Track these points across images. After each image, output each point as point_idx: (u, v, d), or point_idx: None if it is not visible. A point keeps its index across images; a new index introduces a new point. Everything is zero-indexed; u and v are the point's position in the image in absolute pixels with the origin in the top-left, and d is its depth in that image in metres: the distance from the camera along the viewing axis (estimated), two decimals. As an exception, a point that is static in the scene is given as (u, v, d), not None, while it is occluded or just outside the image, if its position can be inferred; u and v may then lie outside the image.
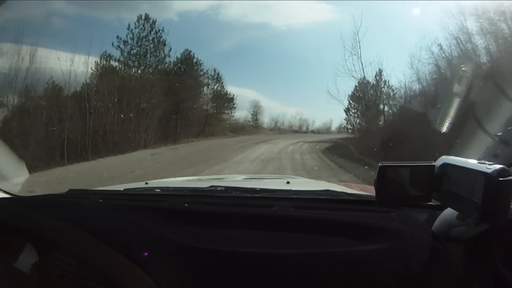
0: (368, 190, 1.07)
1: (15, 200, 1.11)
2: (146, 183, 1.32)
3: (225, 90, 14.19)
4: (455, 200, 0.64)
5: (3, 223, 0.95)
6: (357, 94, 12.17)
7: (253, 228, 0.80)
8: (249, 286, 0.72)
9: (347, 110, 12.92)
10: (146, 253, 0.77)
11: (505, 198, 0.57)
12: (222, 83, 13.51)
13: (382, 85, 11.37)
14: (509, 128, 0.76)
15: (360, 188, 1.24)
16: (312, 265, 0.70)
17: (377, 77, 11.74)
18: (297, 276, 0.70)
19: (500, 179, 0.56)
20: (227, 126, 14.38)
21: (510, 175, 0.56)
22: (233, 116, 15.34)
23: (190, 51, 12.78)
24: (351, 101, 12.51)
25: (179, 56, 12.42)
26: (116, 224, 0.88)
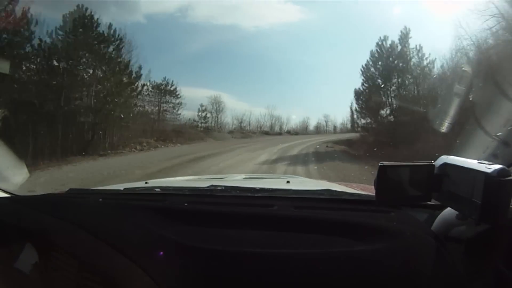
0: (368, 190, 1.07)
1: (15, 200, 1.11)
2: (146, 183, 1.32)
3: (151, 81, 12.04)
4: (455, 200, 0.64)
5: (3, 222, 0.95)
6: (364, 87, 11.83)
7: (253, 227, 0.80)
8: (249, 286, 0.72)
9: (360, 97, 12.49)
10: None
11: (505, 198, 0.57)
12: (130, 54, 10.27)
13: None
14: (509, 128, 0.76)
15: (360, 188, 1.24)
16: (312, 265, 0.70)
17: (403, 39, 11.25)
18: (297, 276, 0.70)
19: (500, 179, 0.56)
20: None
21: (510, 175, 0.56)
22: (179, 114, 13.27)
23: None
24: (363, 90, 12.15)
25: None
26: (116, 223, 0.88)
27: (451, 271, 0.66)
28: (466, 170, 0.61)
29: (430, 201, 0.70)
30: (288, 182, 1.33)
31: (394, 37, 12.07)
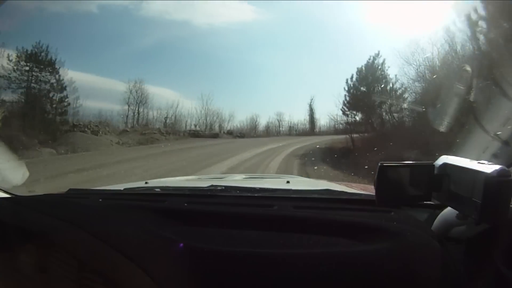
0: (368, 190, 1.07)
1: (15, 200, 1.11)
2: (146, 183, 1.33)
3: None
4: (455, 200, 0.64)
5: (3, 223, 0.95)
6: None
7: (253, 227, 0.80)
8: (249, 286, 0.72)
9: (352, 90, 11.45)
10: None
11: (505, 198, 0.58)
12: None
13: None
14: (509, 127, 0.76)
15: (360, 187, 1.24)
16: (312, 265, 0.70)
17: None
18: (297, 276, 0.70)
19: (500, 179, 0.56)
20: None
21: (510, 175, 0.56)
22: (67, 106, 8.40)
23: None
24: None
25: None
26: (116, 224, 0.88)
27: (451, 271, 0.66)
28: (466, 170, 0.61)
29: (430, 200, 0.70)
30: (288, 182, 1.33)
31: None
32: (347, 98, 11.51)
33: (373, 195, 0.70)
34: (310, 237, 0.75)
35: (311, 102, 15.91)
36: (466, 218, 0.67)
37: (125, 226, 0.86)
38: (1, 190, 1.13)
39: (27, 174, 1.30)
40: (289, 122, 16.63)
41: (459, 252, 0.70)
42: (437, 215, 0.76)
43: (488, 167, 0.57)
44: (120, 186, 1.26)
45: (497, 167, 0.57)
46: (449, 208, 0.72)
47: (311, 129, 15.75)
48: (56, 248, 0.88)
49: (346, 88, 11.56)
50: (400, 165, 0.71)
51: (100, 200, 1.04)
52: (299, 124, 16.68)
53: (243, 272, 0.72)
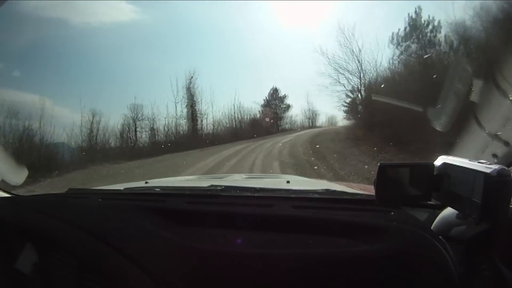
0: (368, 190, 1.07)
1: (15, 200, 1.11)
2: (146, 182, 1.32)
3: None
4: (455, 200, 0.64)
5: (3, 223, 0.95)
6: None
7: (252, 227, 0.80)
8: (249, 286, 0.72)
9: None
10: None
11: (504, 198, 0.58)
12: None
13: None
14: (509, 128, 0.76)
15: (360, 187, 1.24)
16: (312, 265, 0.70)
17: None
18: (297, 276, 0.70)
19: (500, 179, 0.56)
20: None
21: (510, 175, 0.56)
22: None
23: None
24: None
25: None
26: (116, 224, 0.88)
27: (451, 271, 0.66)
28: (466, 170, 0.61)
29: (430, 200, 0.70)
30: (288, 182, 1.33)
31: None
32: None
33: (373, 195, 0.70)
34: (310, 237, 0.75)
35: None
36: (466, 218, 0.67)
37: (125, 226, 0.86)
38: (1, 189, 1.13)
39: (26, 174, 1.30)
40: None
41: (459, 251, 0.70)
42: (437, 215, 0.76)
43: (488, 167, 0.57)
44: (120, 186, 1.26)
45: (497, 167, 0.57)
46: (449, 208, 0.72)
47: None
48: (56, 248, 0.88)
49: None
50: (400, 165, 0.71)
51: (100, 200, 1.04)
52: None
53: (242, 272, 0.72)
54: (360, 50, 11.17)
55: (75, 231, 0.85)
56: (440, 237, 0.71)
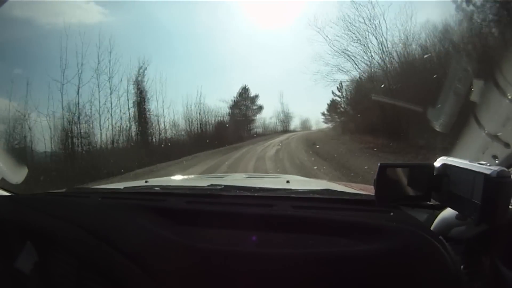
0: (368, 190, 1.07)
1: (15, 199, 1.11)
2: (146, 181, 1.32)
3: None
4: (454, 200, 0.65)
5: (3, 221, 0.95)
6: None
7: (252, 227, 0.80)
8: (248, 286, 0.72)
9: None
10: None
11: (504, 199, 0.58)
12: None
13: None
14: (509, 128, 0.76)
15: (360, 187, 1.24)
16: (312, 265, 0.70)
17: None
18: (297, 276, 0.70)
19: (500, 180, 0.56)
20: None
21: (509, 176, 0.57)
22: None
23: None
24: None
25: None
26: (116, 223, 0.88)
27: (451, 271, 0.66)
28: (466, 170, 0.62)
29: (429, 201, 0.70)
30: (288, 181, 1.33)
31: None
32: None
33: (373, 195, 0.70)
34: (309, 237, 0.75)
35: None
36: (466, 219, 0.68)
37: (125, 225, 0.86)
38: (2, 189, 1.13)
39: (26, 172, 1.29)
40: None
41: (459, 252, 0.70)
42: (437, 216, 0.76)
43: (488, 168, 0.57)
44: (120, 185, 1.26)
45: (497, 168, 0.57)
46: (448, 208, 0.72)
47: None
48: (56, 247, 0.88)
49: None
50: (399, 165, 0.71)
51: (100, 199, 1.04)
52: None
53: (242, 271, 0.73)
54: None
55: (75, 230, 0.85)
56: (440, 237, 0.71)
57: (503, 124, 0.77)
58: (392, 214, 0.79)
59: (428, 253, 0.68)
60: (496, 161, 0.74)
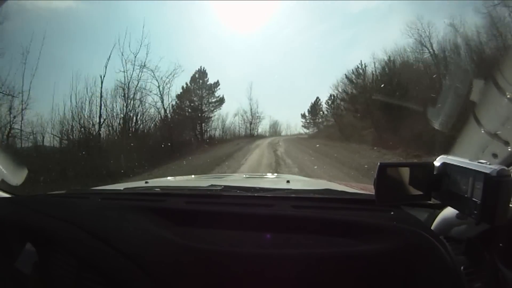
0: (368, 189, 1.07)
1: (15, 200, 1.11)
2: (146, 182, 1.32)
3: None
4: (455, 200, 0.64)
5: (3, 222, 0.95)
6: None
7: (252, 227, 0.80)
8: (249, 286, 0.72)
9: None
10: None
11: (504, 198, 0.57)
12: None
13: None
14: (508, 127, 0.75)
15: (360, 187, 1.23)
16: (312, 265, 0.70)
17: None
18: (297, 276, 0.70)
19: (500, 179, 0.56)
20: None
21: (510, 175, 0.56)
22: None
23: None
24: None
25: None
26: (116, 224, 0.87)
27: (451, 271, 0.66)
28: (466, 169, 0.61)
29: (430, 200, 0.70)
30: (288, 181, 1.33)
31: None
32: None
33: (373, 194, 0.70)
34: (309, 237, 0.75)
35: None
36: (466, 218, 0.67)
37: (125, 225, 0.86)
38: (1, 190, 1.13)
39: (26, 174, 1.29)
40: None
41: (459, 251, 0.70)
42: (437, 215, 0.76)
43: (488, 167, 0.57)
44: (120, 186, 1.26)
45: (497, 167, 0.57)
46: (449, 208, 0.72)
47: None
48: (56, 248, 0.88)
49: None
50: (399, 165, 0.70)
51: (100, 200, 1.04)
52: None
53: (242, 271, 0.72)
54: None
55: (75, 231, 0.85)
56: (440, 237, 0.71)
57: (503, 122, 0.77)
58: (392, 213, 0.79)
59: (429, 253, 0.68)
60: (496, 160, 0.74)
